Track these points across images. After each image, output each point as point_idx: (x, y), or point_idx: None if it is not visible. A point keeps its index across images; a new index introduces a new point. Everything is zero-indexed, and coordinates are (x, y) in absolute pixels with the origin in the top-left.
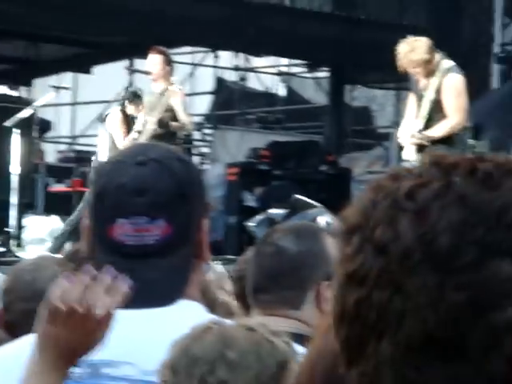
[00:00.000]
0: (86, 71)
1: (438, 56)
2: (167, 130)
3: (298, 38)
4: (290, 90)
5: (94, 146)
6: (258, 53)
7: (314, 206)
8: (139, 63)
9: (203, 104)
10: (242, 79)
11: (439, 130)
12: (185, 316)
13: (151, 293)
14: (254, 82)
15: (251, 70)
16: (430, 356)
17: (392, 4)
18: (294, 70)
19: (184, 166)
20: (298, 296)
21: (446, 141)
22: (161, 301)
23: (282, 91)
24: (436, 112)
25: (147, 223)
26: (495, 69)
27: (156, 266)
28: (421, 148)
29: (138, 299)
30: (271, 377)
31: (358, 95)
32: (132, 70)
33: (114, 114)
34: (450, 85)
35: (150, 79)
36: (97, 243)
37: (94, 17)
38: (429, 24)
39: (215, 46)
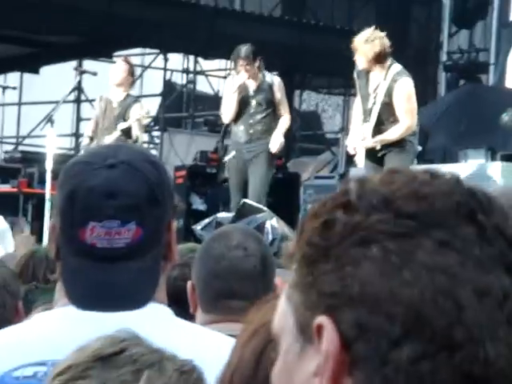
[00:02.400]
0: (34, 71)
1: (389, 59)
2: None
3: (247, 41)
4: None
5: (41, 146)
6: (207, 56)
7: (262, 211)
8: (88, 64)
9: (152, 106)
10: (191, 82)
11: (392, 134)
12: (152, 320)
13: (121, 296)
14: (203, 85)
15: (200, 72)
16: None
17: (342, 9)
18: None
19: (154, 168)
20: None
21: (397, 144)
22: (130, 304)
23: None
24: (386, 115)
25: (119, 226)
26: (443, 77)
27: (126, 269)
28: (372, 152)
29: (108, 302)
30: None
31: (307, 100)
32: (80, 71)
33: (229, 81)
34: (401, 88)
35: (102, 84)
36: (65, 245)
37: (43, 16)
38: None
39: (165, 48)
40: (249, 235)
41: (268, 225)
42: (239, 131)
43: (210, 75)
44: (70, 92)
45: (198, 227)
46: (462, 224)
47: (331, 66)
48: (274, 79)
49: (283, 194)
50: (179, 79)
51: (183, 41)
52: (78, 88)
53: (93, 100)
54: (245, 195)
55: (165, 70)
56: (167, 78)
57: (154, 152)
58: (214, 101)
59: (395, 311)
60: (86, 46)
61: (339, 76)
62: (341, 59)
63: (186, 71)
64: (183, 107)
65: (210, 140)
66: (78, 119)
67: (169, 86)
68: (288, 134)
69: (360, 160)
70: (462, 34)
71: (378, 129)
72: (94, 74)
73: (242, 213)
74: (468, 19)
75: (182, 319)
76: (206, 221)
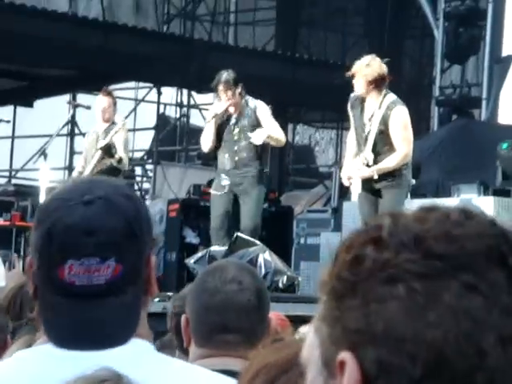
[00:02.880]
0: (28, 104)
1: (386, 88)
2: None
3: (240, 75)
4: None
5: (34, 180)
6: (200, 90)
7: (255, 244)
8: (81, 98)
9: (145, 140)
10: (185, 116)
11: (390, 162)
12: (134, 357)
13: (101, 333)
14: (197, 119)
15: (194, 106)
16: None
17: (334, 44)
18: None
19: (131, 201)
20: (263, 333)
21: (393, 179)
22: (112, 341)
23: None
24: (381, 144)
25: (98, 264)
26: (435, 111)
27: (106, 306)
28: (368, 184)
29: (88, 340)
30: None
31: (300, 133)
32: (74, 105)
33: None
34: (397, 117)
35: (95, 117)
36: (43, 283)
37: (36, 50)
38: None
39: (158, 81)
40: (243, 269)
41: (261, 258)
42: (225, 159)
43: (204, 109)
44: (64, 125)
45: (191, 260)
46: (491, 268)
47: (324, 99)
48: (256, 103)
49: (276, 228)
50: (173, 113)
51: (177, 75)
52: (72, 121)
53: (86, 133)
54: (230, 228)
55: (158, 103)
56: (161, 111)
57: (147, 185)
58: None
59: (417, 352)
60: (80, 79)
61: (332, 110)
62: (334, 93)
63: (179, 105)
64: (177, 141)
65: (204, 173)
66: (72, 152)
67: (162, 119)
68: (281, 167)
69: (355, 190)
70: (454, 69)
71: (374, 157)
72: (88, 107)
73: (235, 246)
74: (460, 54)
75: (165, 355)
76: (199, 254)
